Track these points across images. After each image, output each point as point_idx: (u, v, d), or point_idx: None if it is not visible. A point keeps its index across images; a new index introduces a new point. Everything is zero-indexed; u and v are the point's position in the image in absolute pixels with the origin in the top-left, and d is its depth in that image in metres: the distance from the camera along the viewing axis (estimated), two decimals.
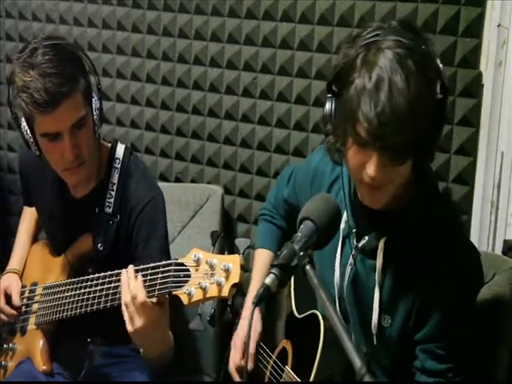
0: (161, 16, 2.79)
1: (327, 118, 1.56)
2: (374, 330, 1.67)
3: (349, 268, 1.71)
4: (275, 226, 2.06)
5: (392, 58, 1.44)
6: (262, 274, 1.97)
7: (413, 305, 1.63)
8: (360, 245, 1.68)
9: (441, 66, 1.50)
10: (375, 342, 1.68)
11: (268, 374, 1.92)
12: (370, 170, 1.47)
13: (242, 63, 2.65)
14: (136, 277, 1.76)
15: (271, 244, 2.03)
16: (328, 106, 1.55)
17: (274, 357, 1.92)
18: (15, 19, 3.16)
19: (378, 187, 1.53)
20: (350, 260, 1.71)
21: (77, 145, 1.92)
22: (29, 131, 1.93)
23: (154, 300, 1.75)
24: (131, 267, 1.79)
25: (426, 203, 1.63)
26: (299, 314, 1.89)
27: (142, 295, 1.73)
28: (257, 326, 1.95)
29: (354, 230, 1.69)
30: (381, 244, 1.63)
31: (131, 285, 1.75)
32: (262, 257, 2.02)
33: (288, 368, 1.82)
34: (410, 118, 1.42)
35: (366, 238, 1.66)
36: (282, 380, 1.84)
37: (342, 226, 1.70)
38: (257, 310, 1.96)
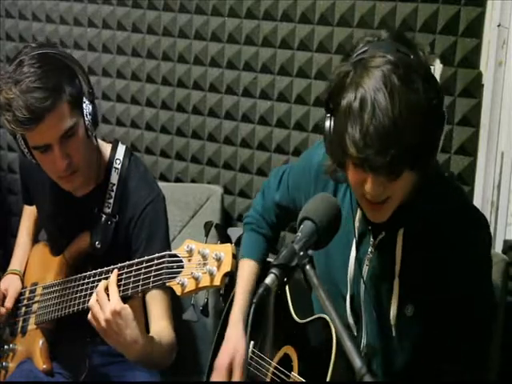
0: (161, 16, 2.79)
1: (327, 136, 1.56)
2: (392, 321, 1.66)
3: (366, 265, 1.71)
4: (261, 235, 2.04)
5: (376, 76, 1.44)
6: (245, 289, 1.95)
7: (437, 287, 1.62)
8: (377, 241, 1.68)
9: (440, 67, 1.50)
10: (394, 334, 1.67)
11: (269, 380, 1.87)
12: (368, 188, 1.49)
13: (241, 63, 2.65)
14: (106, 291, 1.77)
15: (257, 254, 2.01)
16: (327, 124, 1.55)
17: (274, 363, 1.87)
18: (15, 19, 3.16)
19: (381, 202, 1.54)
20: (368, 256, 1.71)
21: (67, 154, 1.92)
22: (23, 142, 1.93)
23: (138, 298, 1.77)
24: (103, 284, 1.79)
25: (436, 191, 1.64)
26: (300, 318, 1.85)
27: (118, 306, 1.73)
28: (242, 349, 1.87)
29: (369, 228, 1.69)
30: (399, 236, 1.64)
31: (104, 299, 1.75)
32: (247, 269, 1.98)
33: (295, 374, 1.77)
34: (397, 135, 1.42)
35: (384, 233, 1.67)
36: None
37: (357, 224, 1.70)
38: (242, 333, 1.90)
